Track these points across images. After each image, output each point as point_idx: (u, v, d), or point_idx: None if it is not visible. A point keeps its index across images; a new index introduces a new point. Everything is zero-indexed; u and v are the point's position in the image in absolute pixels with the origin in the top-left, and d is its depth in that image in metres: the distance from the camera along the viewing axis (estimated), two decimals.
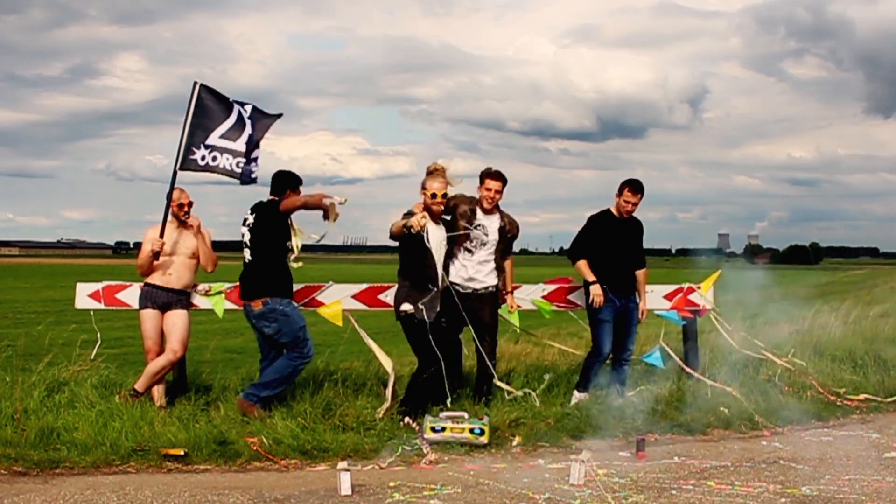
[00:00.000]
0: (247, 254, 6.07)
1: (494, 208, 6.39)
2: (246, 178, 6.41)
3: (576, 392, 6.61)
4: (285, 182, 6.10)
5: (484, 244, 6.36)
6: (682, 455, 5.35)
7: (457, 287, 6.26)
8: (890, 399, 7.06)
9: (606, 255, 6.59)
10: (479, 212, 6.37)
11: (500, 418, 5.86)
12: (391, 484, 4.65)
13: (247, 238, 6.05)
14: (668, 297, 7.16)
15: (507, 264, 6.52)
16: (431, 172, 6.11)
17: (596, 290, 6.48)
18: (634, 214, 6.73)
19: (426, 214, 5.90)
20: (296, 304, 6.14)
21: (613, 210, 6.72)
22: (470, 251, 6.32)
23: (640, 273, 6.80)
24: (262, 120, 6.52)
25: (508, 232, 6.43)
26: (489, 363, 6.29)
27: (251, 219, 6.05)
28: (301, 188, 6.14)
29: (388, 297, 6.57)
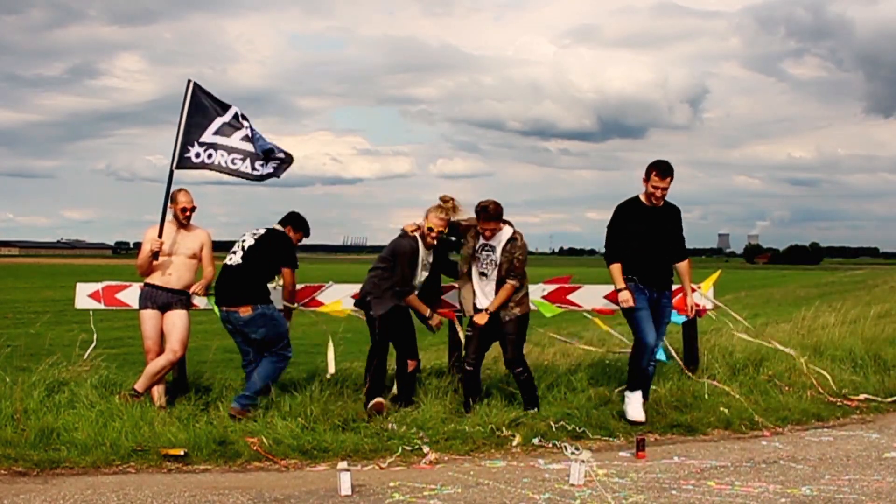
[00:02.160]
0: (236, 259, 6.11)
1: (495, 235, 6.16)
2: (256, 176, 6.42)
3: (627, 393, 6.12)
4: (301, 226, 6.38)
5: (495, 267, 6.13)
6: (682, 455, 5.35)
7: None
8: (890, 399, 7.06)
9: (636, 246, 6.07)
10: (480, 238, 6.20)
11: (500, 418, 5.86)
12: (391, 484, 4.64)
13: (247, 245, 6.13)
14: None
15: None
16: (440, 206, 6.30)
17: (623, 297, 6.03)
18: (668, 200, 6.14)
19: (442, 321, 6.46)
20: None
21: (643, 197, 6.16)
22: (485, 275, 6.18)
23: (681, 266, 6.31)
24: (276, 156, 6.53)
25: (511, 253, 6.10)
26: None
27: (262, 234, 6.22)
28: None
29: None
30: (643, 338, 6.05)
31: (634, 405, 6.05)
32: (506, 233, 6.15)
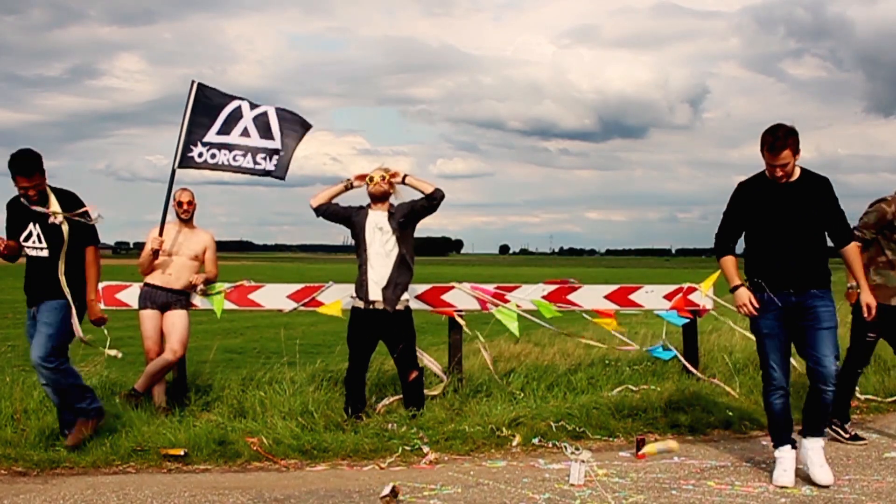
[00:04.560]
0: (45, 252, 5.23)
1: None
2: (259, 171, 6.42)
3: (774, 452, 4.78)
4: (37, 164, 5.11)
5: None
6: (682, 455, 5.35)
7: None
8: (890, 399, 7.06)
9: (761, 235, 4.75)
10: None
11: (500, 418, 5.86)
12: (391, 484, 4.64)
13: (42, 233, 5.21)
14: (668, 297, 7.15)
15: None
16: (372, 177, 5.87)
17: (740, 296, 4.73)
18: (817, 172, 4.77)
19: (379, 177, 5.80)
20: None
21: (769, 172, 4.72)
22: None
23: (847, 251, 4.82)
24: (289, 119, 6.51)
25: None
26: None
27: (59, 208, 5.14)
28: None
29: None
30: (768, 372, 4.74)
31: (785, 467, 4.70)
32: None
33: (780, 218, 4.68)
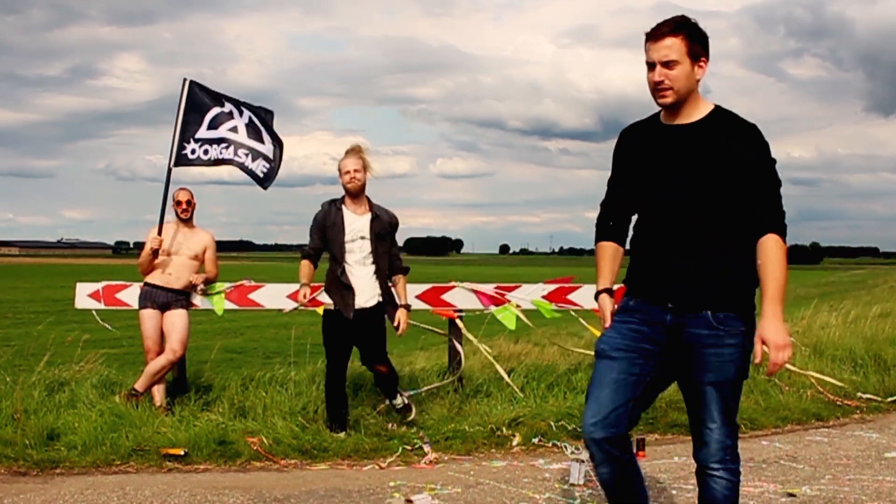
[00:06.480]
0: None
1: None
2: (248, 171, 6.43)
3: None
4: None
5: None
6: (682, 455, 5.35)
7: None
8: (890, 399, 7.06)
9: (638, 210, 3.02)
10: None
11: (500, 418, 5.86)
12: (391, 484, 4.64)
13: None
14: None
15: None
16: (348, 152, 5.59)
17: (600, 307, 3.04)
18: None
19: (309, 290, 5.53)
20: None
21: (663, 116, 2.94)
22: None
23: (765, 243, 2.77)
24: (264, 117, 6.53)
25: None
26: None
27: None
28: None
29: None
30: (585, 410, 2.91)
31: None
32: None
33: (662, 180, 2.84)
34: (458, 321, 6.71)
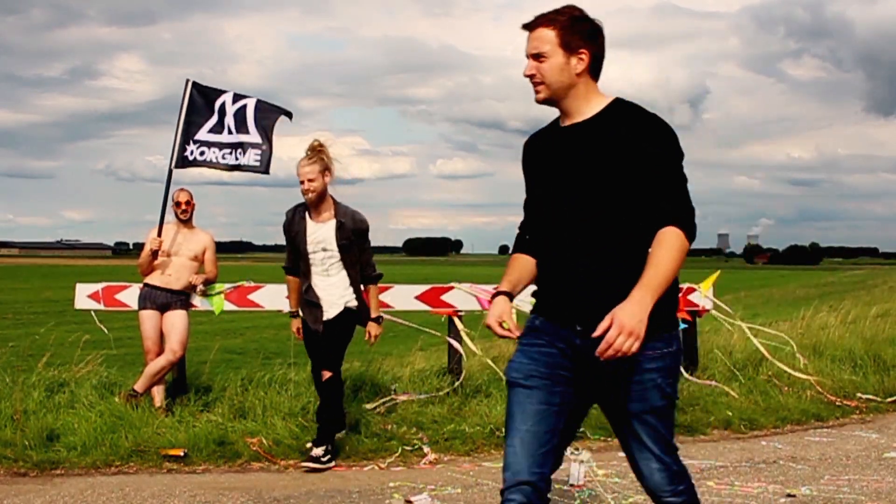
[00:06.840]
0: None
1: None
2: (242, 167, 6.42)
3: None
4: None
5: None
6: (682, 455, 5.33)
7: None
8: (889, 399, 7.06)
9: (541, 219, 2.69)
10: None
11: (500, 418, 5.85)
12: (391, 484, 4.65)
13: None
14: None
15: None
16: (306, 153, 5.24)
17: (491, 310, 2.74)
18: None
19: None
20: None
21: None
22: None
23: (664, 234, 2.43)
24: (268, 111, 6.51)
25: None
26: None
27: None
28: None
29: (388, 296, 6.57)
30: (506, 448, 2.59)
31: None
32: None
33: (557, 184, 2.60)
34: (456, 320, 6.70)
